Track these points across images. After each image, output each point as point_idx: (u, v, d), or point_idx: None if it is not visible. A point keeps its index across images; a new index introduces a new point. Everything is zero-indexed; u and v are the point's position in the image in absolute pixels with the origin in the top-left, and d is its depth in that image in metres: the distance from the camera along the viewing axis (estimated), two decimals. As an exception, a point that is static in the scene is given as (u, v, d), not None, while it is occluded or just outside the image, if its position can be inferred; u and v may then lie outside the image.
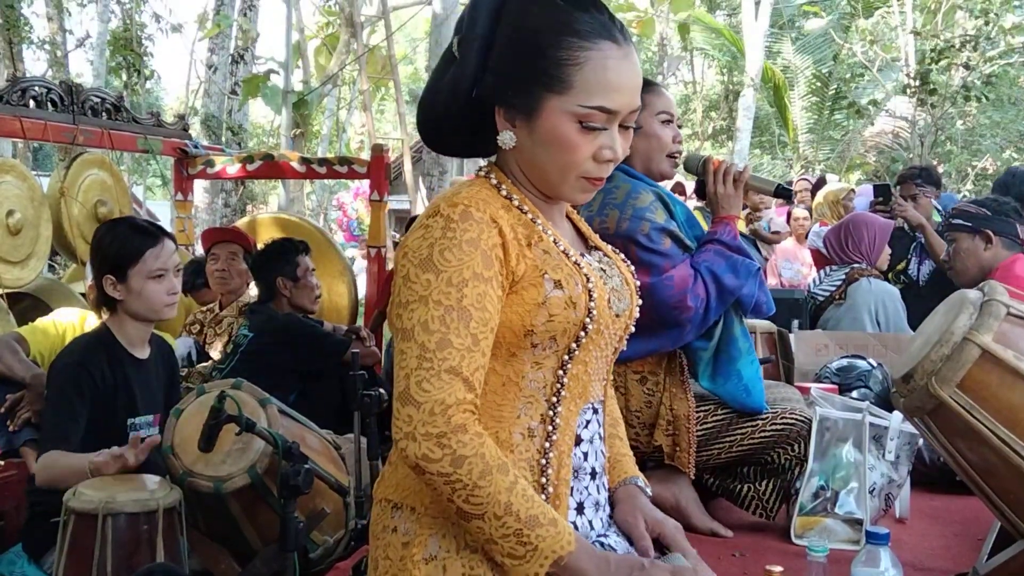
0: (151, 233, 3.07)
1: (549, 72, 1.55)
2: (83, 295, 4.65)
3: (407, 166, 12.59)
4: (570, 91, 1.55)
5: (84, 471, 2.72)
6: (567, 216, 1.82)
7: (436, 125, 1.72)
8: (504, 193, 1.65)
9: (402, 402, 1.49)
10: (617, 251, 1.87)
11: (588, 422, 1.71)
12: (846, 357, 4.05)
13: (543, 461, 1.62)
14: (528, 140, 1.61)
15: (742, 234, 2.96)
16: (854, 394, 3.71)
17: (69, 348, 3.09)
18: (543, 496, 1.60)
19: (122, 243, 3.01)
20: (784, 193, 3.00)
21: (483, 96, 1.63)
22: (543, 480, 1.61)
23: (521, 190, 1.67)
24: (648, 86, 2.91)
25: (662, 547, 1.74)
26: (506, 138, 1.62)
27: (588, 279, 1.63)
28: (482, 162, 1.78)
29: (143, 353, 3.10)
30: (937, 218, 5.85)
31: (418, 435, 1.47)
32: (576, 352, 1.63)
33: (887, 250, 4.82)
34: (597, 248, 1.83)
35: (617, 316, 1.70)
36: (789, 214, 7.75)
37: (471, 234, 1.52)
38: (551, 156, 1.60)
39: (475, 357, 1.51)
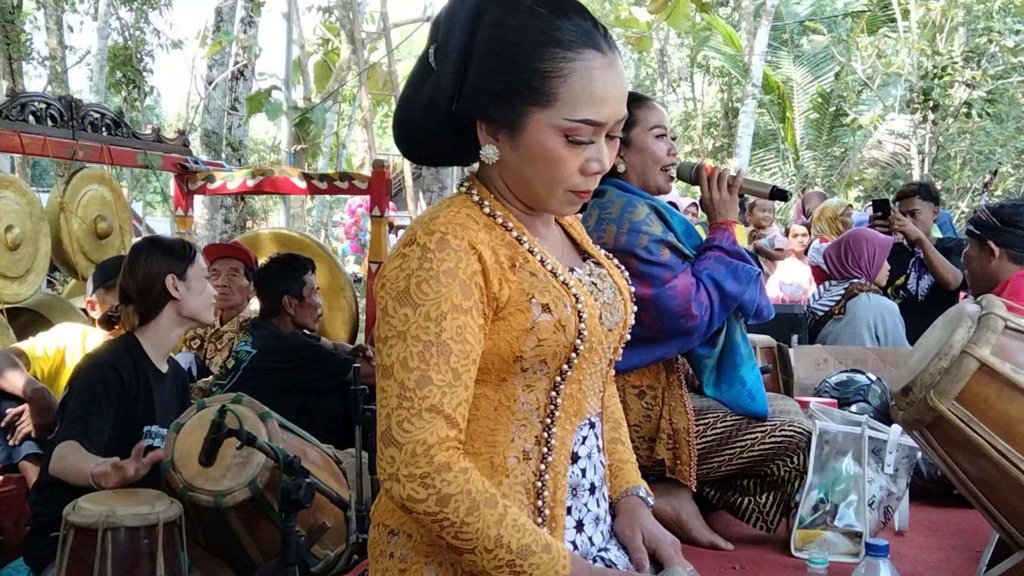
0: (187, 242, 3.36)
1: (532, 85, 1.49)
2: (83, 310, 4.65)
3: (408, 181, 12.59)
4: (555, 104, 1.49)
5: (86, 476, 2.74)
6: (558, 222, 1.77)
7: (415, 138, 1.65)
8: (487, 210, 1.59)
9: (384, 443, 1.46)
10: (610, 256, 1.84)
11: (585, 438, 1.68)
12: (845, 372, 4.05)
13: (539, 483, 1.59)
14: (512, 155, 1.55)
15: (745, 250, 2.98)
16: (853, 408, 3.71)
17: (97, 349, 3.19)
18: (540, 518, 1.58)
19: (177, 247, 3.23)
20: (779, 195, 3.03)
21: (463, 110, 1.57)
22: (539, 503, 1.58)
23: (505, 204, 1.62)
24: (640, 101, 2.94)
25: (658, 563, 1.74)
26: (489, 152, 1.56)
27: (577, 299, 1.58)
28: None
29: (164, 367, 3.17)
30: (936, 233, 5.86)
31: (401, 476, 1.44)
32: (568, 373, 1.59)
33: (886, 265, 4.83)
34: (590, 256, 1.79)
35: (610, 331, 1.67)
36: (787, 230, 7.78)
37: (448, 264, 1.48)
38: (537, 171, 1.54)
39: (457, 392, 1.47)
